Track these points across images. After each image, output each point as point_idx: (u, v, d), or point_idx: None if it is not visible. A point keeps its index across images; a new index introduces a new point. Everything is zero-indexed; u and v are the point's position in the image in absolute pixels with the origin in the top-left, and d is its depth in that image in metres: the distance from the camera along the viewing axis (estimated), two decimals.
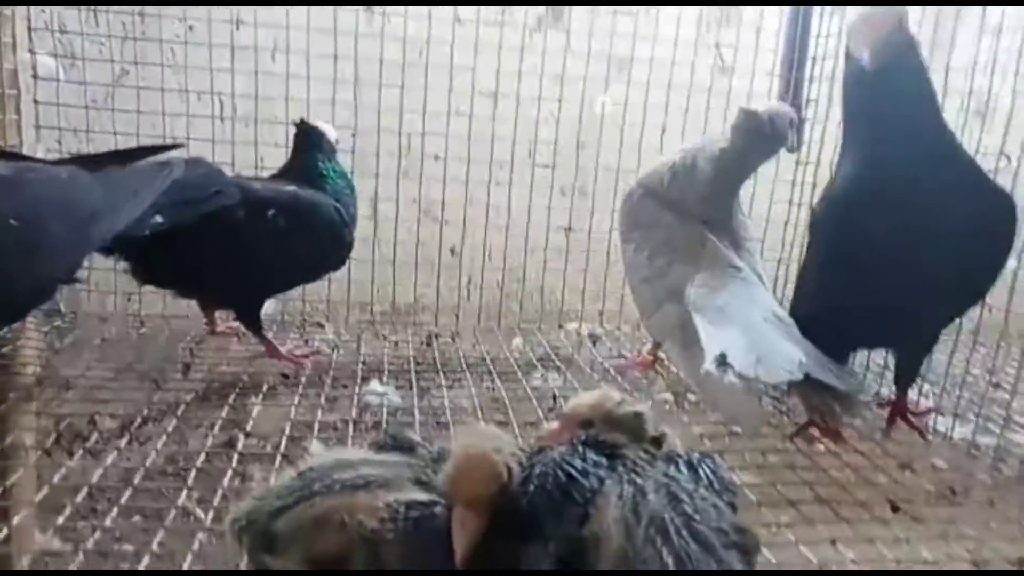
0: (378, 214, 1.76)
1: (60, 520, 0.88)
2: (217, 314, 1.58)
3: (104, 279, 1.58)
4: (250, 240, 1.31)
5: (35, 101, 1.53)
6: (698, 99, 1.73)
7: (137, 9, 1.62)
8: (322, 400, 1.28)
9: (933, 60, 1.38)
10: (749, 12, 1.82)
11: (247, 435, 1.14)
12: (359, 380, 1.39)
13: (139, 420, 1.19)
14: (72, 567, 0.78)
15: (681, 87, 1.72)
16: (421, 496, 0.65)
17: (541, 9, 1.90)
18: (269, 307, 1.57)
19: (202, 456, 1.06)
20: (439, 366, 1.49)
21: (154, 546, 0.81)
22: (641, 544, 0.58)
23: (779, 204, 1.77)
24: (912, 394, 1.29)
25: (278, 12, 1.61)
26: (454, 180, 1.73)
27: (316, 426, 1.17)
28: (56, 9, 1.61)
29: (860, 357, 1.49)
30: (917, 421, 1.24)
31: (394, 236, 1.74)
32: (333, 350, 1.56)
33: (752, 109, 1.21)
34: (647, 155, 1.65)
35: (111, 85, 1.63)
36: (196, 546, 0.83)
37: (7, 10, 1.41)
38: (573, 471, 0.65)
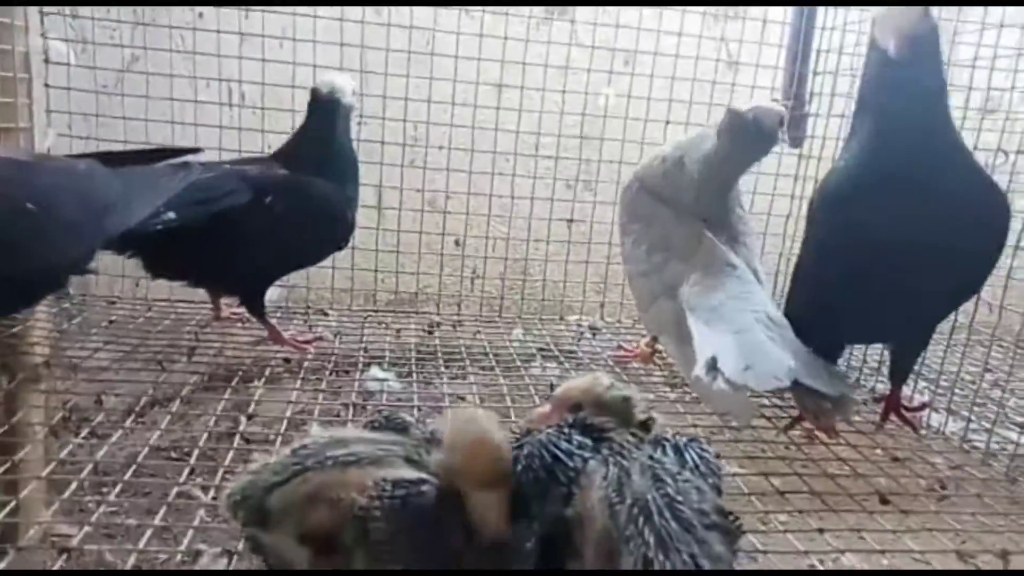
0: (382, 203, 1.78)
1: (65, 496, 0.90)
2: (222, 299, 1.60)
3: (113, 263, 1.60)
4: (246, 227, 1.32)
5: (46, 85, 1.54)
6: (702, 92, 1.74)
7: None
8: (324, 386, 1.30)
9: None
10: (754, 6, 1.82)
11: (250, 419, 1.16)
12: (361, 367, 1.41)
13: (144, 402, 1.21)
14: (75, 542, 0.80)
15: (685, 80, 1.73)
16: (410, 474, 0.67)
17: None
18: (273, 294, 1.59)
19: (205, 438, 1.08)
20: (440, 355, 1.51)
21: (156, 521, 0.83)
22: (624, 523, 0.60)
23: (781, 198, 1.78)
24: (906, 389, 1.30)
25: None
26: (458, 170, 1.74)
27: (317, 411, 1.19)
28: None
29: (856, 352, 1.51)
30: (910, 416, 1.25)
31: (398, 225, 1.76)
32: (336, 337, 1.58)
33: (736, 109, 1.18)
34: (650, 148, 1.66)
35: (121, 70, 1.65)
36: (196, 521, 0.85)
37: None
38: (559, 452, 0.67)
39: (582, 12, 1.82)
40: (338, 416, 1.23)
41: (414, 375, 1.39)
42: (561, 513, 0.64)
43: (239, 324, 1.57)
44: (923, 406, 1.30)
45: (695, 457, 0.69)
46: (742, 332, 1.05)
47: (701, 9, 1.76)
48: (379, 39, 1.64)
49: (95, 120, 1.61)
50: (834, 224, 1.18)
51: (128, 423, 1.13)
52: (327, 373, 1.38)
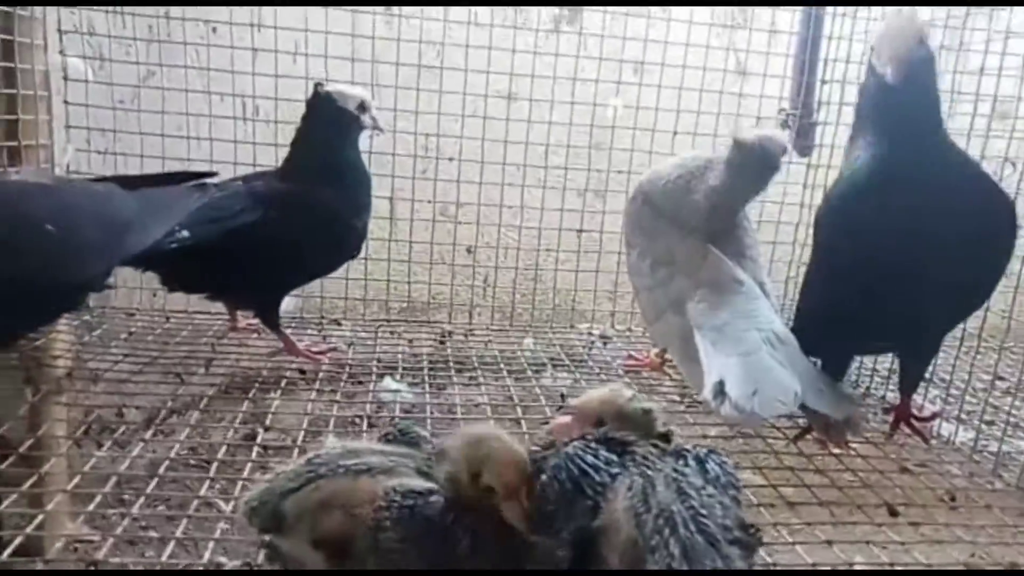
0: (395, 214, 1.80)
1: (90, 508, 0.92)
2: (239, 311, 1.62)
3: (131, 275, 1.63)
4: (255, 242, 1.33)
5: (65, 102, 1.58)
6: (710, 102, 1.75)
7: (162, 12, 1.66)
8: (339, 396, 1.33)
9: (946, 64, 1.40)
10: (762, 15, 1.83)
11: (267, 429, 1.19)
12: (375, 377, 1.43)
13: (164, 413, 1.24)
14: (101, 554, 0.82)
15: (693, 90, 1.74)
16: (419, 484, 0.70)
17: (557, 9, 1.93)
18: (288, 304, 1.62)
19: (224, 449, 1.11)
20: (452, 364, 1.53)
21: (178, 533, 0.85)
22: (649, 533, 0.61)
23: (790, 207, 1.78)
24: (917, 399, 1.30)
25: (298, 16, 1.64)
26: (469, 181, 1.76)
27: (332, 420, 1.21)
28: (85, 12, 1.66)
29: (867, 361, 1.52)
30: (920, 426, 1.25)
31: (410, 236, 1.78)
32: (350, 347, 1.60)
33: (742, 139, 1.19)
34: (658, 158, 1.68)
35: (137, 86, 1.68)
36: (218, 533, 0.87)
37: (38, 13, 1.45)
38: (586, 466, 0.68)
39: (590, 23, 1.83)
40: (353, 424, 1.26)
41: (426, 384, 1.41)
42: (588, 525, 0.65)
43: (255, 335, 1.60)
44: (933, 416, 1.30)
45: (716, 469, 0.70)
46: (748, 355, 1.06)
47: (708, 19, 1.77)
48: (390, 53, 1.66)
49: (112, 135, 1.64)
50: (841, 234, 1.19)
51: (148, 434, 1.16)
52: (341, 383, 1.40)
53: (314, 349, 1.53)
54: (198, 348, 1.50)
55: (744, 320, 1.15)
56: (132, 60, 1.66)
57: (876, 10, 1.66)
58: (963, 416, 1.28)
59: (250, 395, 1.31)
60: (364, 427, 1.22)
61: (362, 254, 1.62)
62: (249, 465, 1.05)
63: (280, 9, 1.64)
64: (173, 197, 1.18)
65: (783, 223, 1.79)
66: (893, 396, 1.35)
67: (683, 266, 1.26)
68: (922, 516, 0.99)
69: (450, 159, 1.76)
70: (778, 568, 0.86)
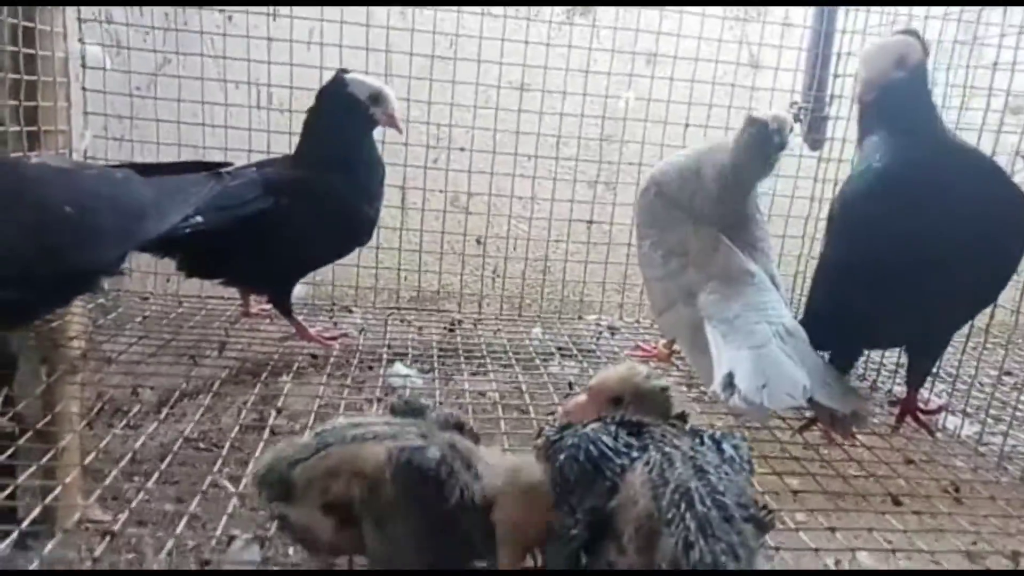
0: (406, 203, 1.82)
1: (103, 486, 0.94)
2: (251, 296, 1.64)
3: (146, 260, 1.65)
4: (266, 228, 1.34)
5: (83, 88, 1.60)
6: (722, 95, 1.76)
7: None
8: (349, 381, 1.34)
9: (960, 59, 1.40)
10: (775, 9, 1.83)
11: (278, 412, 1.20)
12: (385, 363, 1.44)
13: (177, 395, 1.26)
14: (117, 527, 0.84)
15: (705, 83, 1.74)
16: (417, 442, 0.72)
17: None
18: (300, 291, 1.63)
19: (235, 431, 1.12)
20: (461, 352, 1.54)
21: (191, 508, 0.87)
22: (666, 507, 0.61)
23: (801, 200, 1.79)
24: (924, 392, 1.31)
25: (314, 6, 1.66)
26: (480, 172, 1.78)
27: (343, 405, 1.23)
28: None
29: (874, 354, 1.52)
30: (926, 419, 1.26)
31: (421, 225, 1.80)
32: (360, 333, 1.62)
33: (755, 115, 1.21)
34: (669, 151, 1.68)
35: (154, 74, 1.70)
36: (230, 509, 0.89)
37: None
38: (605, 448, 0.68)
39: (603, 15, 1.84)
40: (361, 410, 1.27)
41: (436, 371, 1.43)
42: (603, 505, 0.65)
43: (267, 320, 1.62)
44: (939, 409, 1.31)
45: (731, 450, 0.71)
46: (759, 348, 1.07)
47: (721, 12, 1.77)
48: (403, 43, 1.67)
49: (129, 122, 1.67)
50: (854, 229, 1.20)
51: (160, 415, 1.18)
52: (352, 368, 1.42)
53: (325, 335, 1.55)
54: (211, 332, 1.52)
55: (755, 313, 1.16)
56: (149, 48, 1.69)
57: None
58: (969, 410, 1.28)
59: (262, 379, 1.33)
60: (375, 411, 1.24)
61: (373, 243, 1.63)
62: (260, 448, 1.06)
63: None
64: (188, 184, 1.20)
65: (793, 217, 1.79)
66: (900, 389, 1.35)
67: (695, 257, 1.27)
68: (925, 506, 0.99)
69: (462, 149, 1.78)
70: (783, 558, 0.87)
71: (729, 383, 1.04)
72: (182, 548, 0.94)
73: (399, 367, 1.41)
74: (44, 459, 0.97)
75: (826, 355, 1.22)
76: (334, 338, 1.54)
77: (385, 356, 1.48)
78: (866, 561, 0.92)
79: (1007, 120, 1.32)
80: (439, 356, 1.50)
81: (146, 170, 1.21)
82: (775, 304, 1.20)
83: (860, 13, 1.68)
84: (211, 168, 1.31)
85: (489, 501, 0.69)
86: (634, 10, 1.75)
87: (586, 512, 0.65)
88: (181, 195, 1.16)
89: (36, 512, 0.82)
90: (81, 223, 1.01)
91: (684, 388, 1.41)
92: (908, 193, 1.11)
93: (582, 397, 0.80)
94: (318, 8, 1.65)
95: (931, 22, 1.51)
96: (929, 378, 1.31)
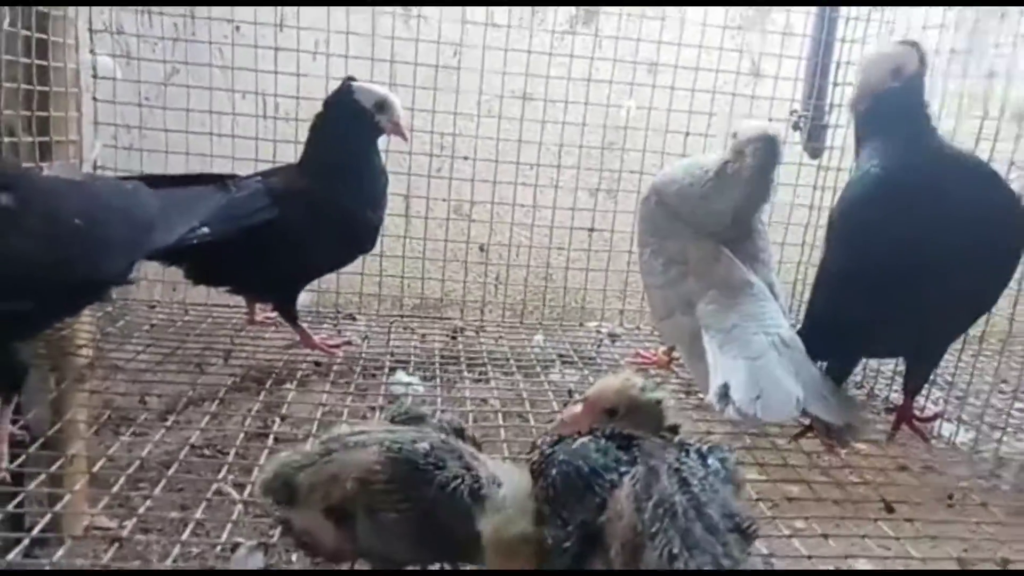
0: (410, 211, 1.84)
1: (110, 494, 0.96)
2: (257, 304, 1.67)
3: (153, 268, 1.68)
4: (271, 237, 1.36)
5: (94, 99, 1.63)
6: (723, 103, 1.77)
7: (188, 11, 1.71)
8: (352, 388, 1.36)
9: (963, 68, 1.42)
10: (776, 18, 1.85)
11: (282, 420, 1.22)
12: (387, 371, 1.46)
13: (183, 403, 1.28)
14: (126, 533, 0.86)
15: (706, 92, 1.76)
16: (407, 437, 0.74)
17: (572, 11, 1.96)
18: (304, 298, 1.66)
19: (240, 438, 1.14)
20: (464, 359, 1.56)
21: (197, 515, 0.89)
22: (649, 520, 0.63)
23: (801, 208, 1.80)
24: (920, 399, 1.32)
25: (320, 16, 1.68)
26: (483, 180, 1.80)
27: (346, 413, 1.24)
28: (114, 12, 1.71)
29: (872, 361, 1.53)
30: (921, 426, 1.27)
31: (424, 233, 1.82)
32: (364, 341, 1.64)
33: (768, 133, 1.23)
34: (670, 159, 1.70)
35: (163, 84, 1.73)
36: (234, 516, 0.91)
37: (71, 13, 1.51)
38: (595, 464, 0.69)
39: (605, 25, 1.86)
40: (365, 416, 1.29)
41: (438, 379, 1.44)
42: (593, 520, 0.67)
43: (272, 328, 1.64)
44: (935, 416, 1.32)
45: (717, 463, 0.72)
46: (754, 359, 1.09)
47: (722, 21, 1.79)
48: (408, 53, 1.70)
49: (138, 131, 1.69)
50: (851, 235, 1.21)
51: (166, 422, 1.20)
52: (355, 376, 1.44)
53: (329, 343, 1.57)
54: (217, 340, 1.54)
55: (752, 323, 1.17)
56: (158, 58, 1.72)
57: (889, 13, 1.68)
58: (964, 417, 1.29)
59: (266, 387, 1.35)
60: (378, 419, 1.25)
61: (377, 251, 1.66)
62: (264, 454, 1.08)
63: (303, 9, 1.68)
64: (195, 196, 1.23)
65: (793, 224, 1.81)
66: (897, 396, 1.36)
67: (695, 266, 1.29)
68: (919, 513, 1.01)
69: (465, 158, 1.80)
70: (775, 565, 0.88)
71: (724, 393, 1.06)
72: (187, 555, 0.96)
73: (401, 375, 1.43)
74: (53, 467, 0.99)
75: (823, 365, 1.23)
76: (337, 346, 1.56)
77: (388, 364, 1.50)
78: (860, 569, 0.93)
79: (1007, 128, 1.34)
80: (441, 364, 1.52)
81: (155, 182, 1.24)
82: (773, 315, 1.21)
83: (860, 23, 1.69)
84: (218, 180, 1.33)
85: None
86: (636, 20, 1.77)
87: (578, 526, 0.67)
88: (188, 206, 1.19)
89: (46, 520, 0.85)
90: (90, 235, 1.03)
91: (683, 395, 1.43)
92: (902, 199, 1.12)
93: (578, 408, 0.81)
94: (324, 19, 1.68)
95: (929, 32, 1.53)
96: (926, 385, 1.32)
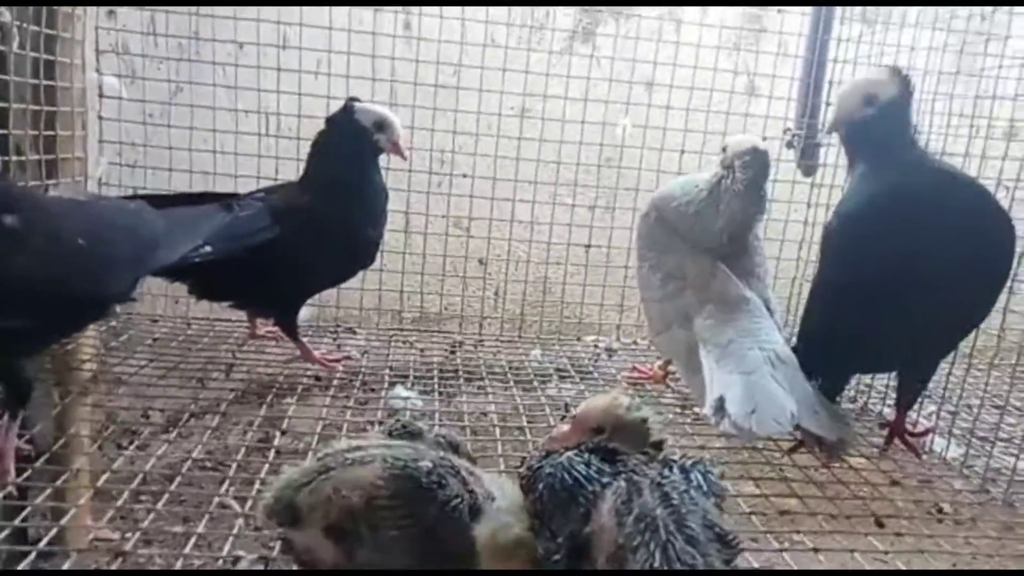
0: (409, 227, 1.86)
1: (114, 507, 0.98)
2: (258, 319, 1.69)
3: (156, 282, 1.70)
4: (272, 254, 1.38)
5: (100, 117, 1.65)
6: (717, 122, 1.80)
7: (192, 31, 1.74)
8: (352, 402, 1.38)
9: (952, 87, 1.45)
10: (770, 38, 1.88)
11: (282, 433, 1.24)
12: (387, 384, 1.48)
13: (185, 416, 1.30)
14: (129, 547, 0.88)
15: (700, 112, 1.79)
16: (408, 453, 0.76)
17: (570, 29, 2.00)
18: (305, 313, 1.68)
19: (241, 452, 1.16)
20: (462, 373, 1.58)
21: (199, 528, 0.91)
22: (631, 535, 0.65)
23: (795, 224, 1.83)
24: (912, 414, 1.34)
25: (321, 37, 1.71)
26: (481, 197, 1.82)
27: (346, 427, 1.26)
28: (120, 32, 1.74)
29: (864, 376, 1.55)
30: (913, 441, 1.29)
31: (423, 248, 1.84)
32: (363, 355, 1.66)
33: (758, 147, 1.27)
34: (666, 176, 1.73)
35: (168, 103, 1.76)
36: (235, 530, 0.93)
37: (78, 35, 1.54)
38: (579, 476, 0.72)
39: (602, 45, 1.89)
40: (365, 430, 1.31)
41: (436, 392, 1.46)
42: (581, 530, 0.70)
43: (273, 342, 1.66)
44: (927, 431, 1.34)
45: (699, 477, 0.74)
46: (749, 374, 1.11)
47: (716, 41, 1.82)
48: (408, 73, 1.73)
49: (143, 149, 1.72)
50: (842, 251, 1.24)
51: (168, 436, 1.22)
52: (355, 390, 1.46)
53: (329, 357, 1.59)
54: (218, 355, 1.56)
55: (748, 339, 1.20)
56: (163, 78, 1.74)
57: (881, 33, 1.71)
58: (955, 432, 1.31)
59: (267, 400, 1.36)
60: (376, 432, 1.27)
61: (377, 265, 1.68)
62: (265, 468, 1.10)
63: (304, 30, 1.71)
64: (199, 216, 1.25)
65: (788, 241, 1.83)
66: (890, 411, 1.38)
67: (693, 281, 1.32)
68: (908, 528, 1.02)
69: (464, 175, 1.82)
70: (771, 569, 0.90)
71: (720, 407, 1.08)
72: (188, 567, 0.97)
73: (400, 390, 1.45)
74: (58, 481, 1.01)
75: (818, 381, 1.25)
76: (337, 360, 1.58)
77: (387, 378, 1.52)
78: None
79: (995, 147, 1.37)
80: (440, 378, 1.54)
81: (160, 202, 1.26)
82: (768, 331, 1.24)
83: (851, 44, 1.73)
84: (223, 199, 1.36)
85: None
86: (632, 40, 1.80)
87: (566, 537, 0.69)
88: (192, 226, 1.21)
89: (52, 534, 0.86)
90: (93, 254, 1.05)
91: (679, 409, 1.45)
92: (891, 216, 1.15)
93: (566, 427, 0.84)
94: (326, 39, 1.71)
95: (918, 53, 1.57)
96: (919, 399, 1.34)
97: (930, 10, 1.63)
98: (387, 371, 1.56)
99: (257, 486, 1.03)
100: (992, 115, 1.38)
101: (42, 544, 0.84)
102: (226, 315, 1.74)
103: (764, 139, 1.78)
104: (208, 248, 1.22)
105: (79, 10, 1.51)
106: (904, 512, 1.07)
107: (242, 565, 0.91)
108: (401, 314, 1.93)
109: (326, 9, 1.69)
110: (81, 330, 1.36)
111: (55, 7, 1.43)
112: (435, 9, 1.74)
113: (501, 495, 0.77)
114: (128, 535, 0.92)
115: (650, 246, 1.43)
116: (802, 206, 1.82)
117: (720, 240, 1.32)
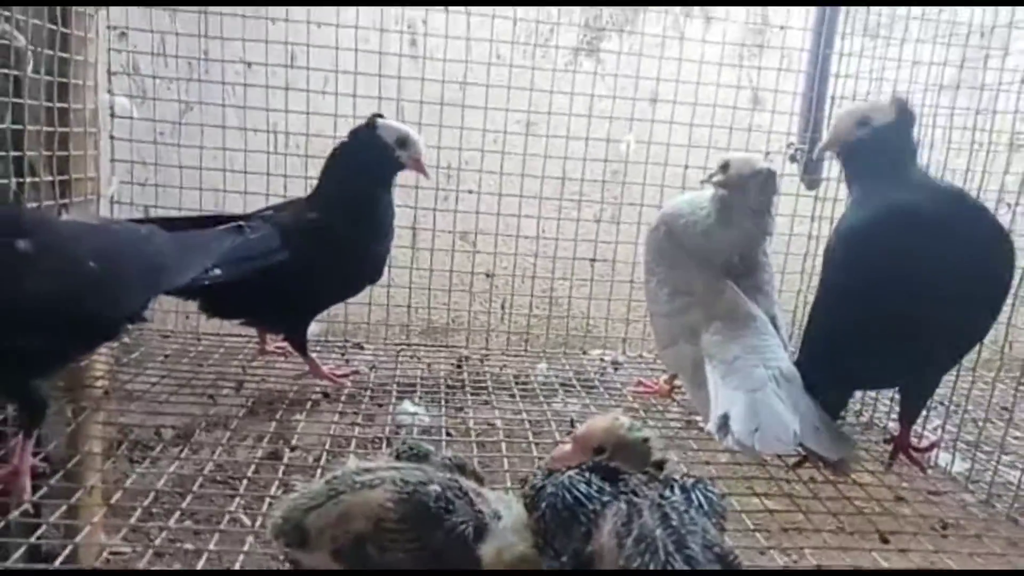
0: (416, 242, 1.88)
1: (128, 525, 0.99)
2: (268, 335, 1.71)
3: (167, 300, 1.72)
4: (282, 273, 1.39)
5: (111, 137, 1.69)
6: (720, 137, 1.82)
7: (202, 51, 1.77)
8: (360, 417, 1.39)
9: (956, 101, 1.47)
10: (771, 53, 1.90)
11: (292, 448, 1.26)
12: (395, 398, 1.50)
13: (196, 432, 1.32)
14: (140, 566, 0.89)
15: (704, 127, 1.81)
16: (417, 476, 0.77)
17: (575, 46, 2.02)
18: (314, 328, 1.70)
19: (251, 467, 1.18)
20: (468, 387, 1.59)
21: (211, 545, 0.93)
22: (632, 555, 0.66)
23: (798, 238, 1.84)
24: (916, 428, 1.34)
25: (328, 56, 1.74)
26: (487, 213, 1.84)
27: (354, 441, 1.28)
28: (131, 54, 1.77)
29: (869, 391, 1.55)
30: (918, 456, 1.29)
31: (431, 264, 1.86)
32: (371, 370, 1.68)
33: (769, 168, 1.29)
34: (670, 191, 1.75)
35: (178, 122, 1.79)
36: (246, 547, 0.94)
37: (91, 57, 1.57)
38: (580, 494, 0.74)
39: (606, 61, 1.91)
40: (373, 444, 1.32)
41: (443, 406, 1.48)
42: (583, 548, 0.71)
43: (283, 358, 1.68)
44: (931, 446, 1.34)
45: (700, 497, 0.75)
46: (754, 391, 1.13)
47: (719, 57, 1.84)
48: (414, 92, 1.75)
49: (154, 168, 1.75)
50: (845, 269, 1.25)
51: (179, 451, 1.24)
52: (363, 404, 1.47)
53: (337, 372, 1.60)
54: (229, 369, 1.58)
55: (754, 356, 1.21)
56: (173, 98, 1.77)
57: (883, 48, 1.73)
58: (960, 446, 1.31)
59: (276, 415, 1.38)
60: (383, 448, 1.29)
61: (384, 280, 1.69)
62: (275, 483, 1.11)
63: (312, 49, 1.74)
64: (209, 238, 1.27)
65: (792, 254, 1.84)
66: (895, 425, 1.39)
67: (701, 297, 1.33)
68: (912, 543, 1.03)
69: (470, 191, 1.85)
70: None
71: (724, 424, 1.09)
72: None
73: (408, 405, 1.46)
74: (73, 498, 1.02)
75: (821, 395, 1.25)
76: (346, 375, 1.60)
77: (395, 392, 1.53)
78: None
79: (996, 161, 1.38)
80: (446, 391, 1.56)
81: (171, 224, 1.28)
82: (774, 348, 1.25)
83: (853, 59, 1.74)
84: (233, 221, 1.38)
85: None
86: (635, 56, 1.82)
87: (570, 556, 0.71)
88: (202, 249, 1.23)
89: (67, 551, 0.88)
90: (105, 276, 1.07)
91: (683, 424, 1.45)
92: (888, 233, 1.16)
93: (568, 446, 0.85)
94: (333, 59, 1.73)
95: (919, 68, 1.58)
96: (924, 414, 1.35)
97: (932, 24, 1.65)
98: (394, 385, 1.57)
99: (267, 501, 1.04)
100: (994, 128, 1.39)
101: (58, 562, 0.85)
102: (237, 331, 1.76)
103: (767, 153, 1.81)
104: (218, 271, 1.24)
105: (91, 33, 1.54)
106: (909, 527, 1.07)
107: None
108: (408, 328, 1.95)
109: (333, 29, 1.72)
110: (93, 351, 1.38)
111: (68, 31, 1.46)
112: (440, 28, 1.77)
113: (507, 513, 0.78)
114: (137, 547, 0.93)
115: (658, 260, 1.44)
116: (806, 219, 1.83)
117: (729, 258, 1.34)
